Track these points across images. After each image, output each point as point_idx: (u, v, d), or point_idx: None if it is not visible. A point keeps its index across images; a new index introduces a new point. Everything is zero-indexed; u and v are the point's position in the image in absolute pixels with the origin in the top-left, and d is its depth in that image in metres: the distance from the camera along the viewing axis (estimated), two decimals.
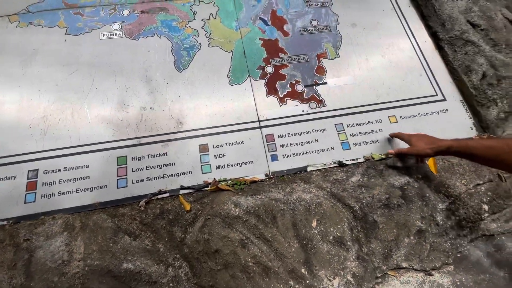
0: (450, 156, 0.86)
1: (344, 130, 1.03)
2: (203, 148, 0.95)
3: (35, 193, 0.85)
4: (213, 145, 0.95)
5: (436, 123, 1.07)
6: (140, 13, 1.15)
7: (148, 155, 0.92)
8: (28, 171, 0.87)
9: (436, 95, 1.13)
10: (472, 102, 1.11)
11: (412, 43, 1.22)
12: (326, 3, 1.27)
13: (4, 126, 0.92)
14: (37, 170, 0.87)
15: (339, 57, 1.16)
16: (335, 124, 1.03)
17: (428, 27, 1.26)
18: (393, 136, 1.00)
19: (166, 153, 0.93)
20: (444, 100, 1.12)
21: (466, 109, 1.12)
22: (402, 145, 0.95)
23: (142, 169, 0.90)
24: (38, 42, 1.05)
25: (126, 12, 1.14)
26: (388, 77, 1.14)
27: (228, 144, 0.96)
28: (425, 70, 1.17)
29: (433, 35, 1.24)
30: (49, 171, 0.87)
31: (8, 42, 1.05)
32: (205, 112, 1.00)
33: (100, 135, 0.93)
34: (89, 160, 0.90)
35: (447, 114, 1.10)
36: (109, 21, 1.12)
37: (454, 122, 1.08)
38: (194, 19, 1.16)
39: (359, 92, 1.10)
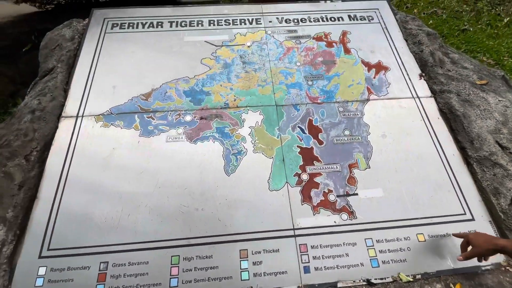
0: None
1: (373, 245, 1.11)
2: (243, 254, 1.08)
3: (104, 284, 1.01)
4: (252, 251, 1.08)
5: None
6: (199, 119, 1.38)
7: (197, 256, 1.07)
8: (100, 262, 1.05)
9: (465, 213, 1.18)
10: (501, 225, 1.14)
11: (440, 156, 1.31)
12: (358, 113, 1.42)
13: (84, 218, 1.13)
14: (107, 262, 1.05)
15: (369, 168, 1.28)
16: (365, 239, 1.12)
17: (457, 141, 1.35)
18: (456, 235, 1.08)
19: (211, 255, 1.07)
20: (473, 219, 1.17)
21: (494, 230, 1.15)
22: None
23: (191, 270, 1.05)
24: (117, 142, 1.30)
25: (188, 118, 1.38)
26: (416, 191, 1.22)
27: (265, 251, 1.08)
28: (453, 185, 1.24)
29: (462, 150, 1.32)
30: (117, 264, 1.05)
31: (93, 140, 1.31)
32: (247, 216, 1.15)
33: (160, 233, 1.11)
34: (149, 257, 1.06)
35: None
36: (175, 125, 1.36)
37: None
38: (243, 126, 1.37)
39: (388, 205, 1.19)
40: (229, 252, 1.08)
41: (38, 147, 1.25)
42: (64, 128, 1.32)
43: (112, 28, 1.68)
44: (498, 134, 1.28)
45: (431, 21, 3.07)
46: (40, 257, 1.06)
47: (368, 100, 1.47)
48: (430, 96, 1.49)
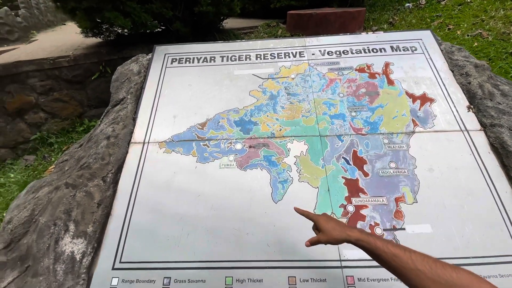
0: None
1: None
2: (292, 281, 1.14)
3: None
4: (300, 279, 1.14)
5: None
6: (248, 148, 1.50)
7: (248, 279, 1.16)
8: (164, 277, 1.18)
9: None
10: None
11: (492, 193, 1.28)
12: (404, 146, 1.45)
13: (150, 235, 1.28)
14: (170, 278, 1.18)
15: (416, 202, 1.29)
16: None
17: (509, 178, 1.31)
18: (298, 212, 0.99)
19: (262, 279, 1.15)
20: None
21: None
22: None
23: None
24: (177, 167, 1.47)
25: (239, 146, 1.51)
26: (467, 229, 1.21)
27: (312, 279, 1.14)
28: (506, 224, 1.20)
29: None
30: (178, 281, 1.17)
31: (157, 164, 1.49)
32: (295, 244, 1.22)
33: (215, 254, 1.22)
34: (205, 276, 1.17)
35: None
36: (227, 153, 1.50)
37: None
38: (289, 155, 1.46)
39: (437, 242, 1.19)
40: (279, 278, 1.15)
41: (113, 170, 1.45)
42: (133, 153, 1.52)
43: (172, 63, 1.90)
44: None
45: (476, 44, 2.98)
46: (113, 268, 1.22)
47: (413, 132, 1.49)
48: (480, 130, 1.47)
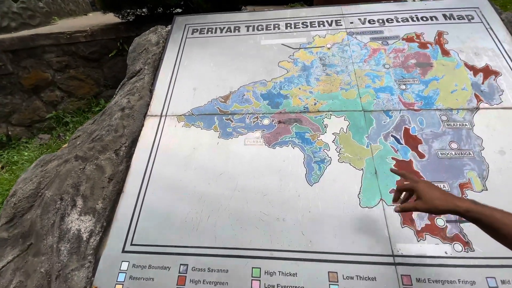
0: None
1: (497, 286, 0.88)
2: (333, 277, 0.94)
3: None
4: (343, 275, 0.94)
5: None
6: (277, 123, 1.31)
7: (279, 272, 0.97)
8: (180, 264, 1.01)
9: None
10: None
11: None
12: (467, 123, 1.20)
13: (165, 216, 1.11)
14: (187, 265, 1.01)
15: (486, 190, 1.05)
16: (486, 277, 0.90)
17: None
18: (395, 172, 0.89)
19: (296, 273, 0.96)
20: None
21: None
22: None
23: (274, 286, 0.94)
24: (197, 142, 1.30)
25: (266, 122, 1.32)
26: None
27: (358, 277, 0.93)
28: None
29: None
30: (196, 269, 1.00)
31: (175, 139, 1.32)
32: (335, 234, 1.02)
33: (240, 240, 1.04)
34: (228, 265, 0.99)
35: None
36: (252, 128, 1.31)
37: None
38: (326, 132, 1.25)
39: None
40: (316, 272, 0.95)
41: (126, 143, 1.30)
42: (150, 126, 1.37)
43: (192, 34, 1.73)
44: None
45: None
46: (123, 251, 1.07)
47: (477, 108, 1.23)
48: None
